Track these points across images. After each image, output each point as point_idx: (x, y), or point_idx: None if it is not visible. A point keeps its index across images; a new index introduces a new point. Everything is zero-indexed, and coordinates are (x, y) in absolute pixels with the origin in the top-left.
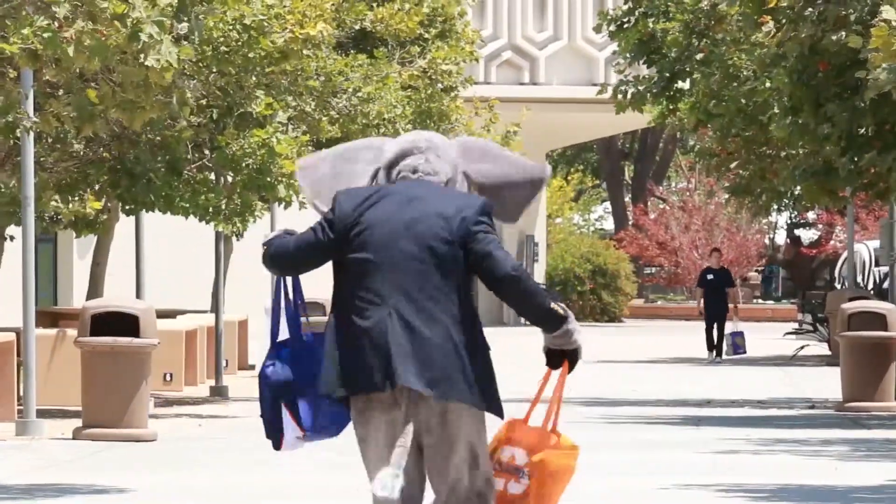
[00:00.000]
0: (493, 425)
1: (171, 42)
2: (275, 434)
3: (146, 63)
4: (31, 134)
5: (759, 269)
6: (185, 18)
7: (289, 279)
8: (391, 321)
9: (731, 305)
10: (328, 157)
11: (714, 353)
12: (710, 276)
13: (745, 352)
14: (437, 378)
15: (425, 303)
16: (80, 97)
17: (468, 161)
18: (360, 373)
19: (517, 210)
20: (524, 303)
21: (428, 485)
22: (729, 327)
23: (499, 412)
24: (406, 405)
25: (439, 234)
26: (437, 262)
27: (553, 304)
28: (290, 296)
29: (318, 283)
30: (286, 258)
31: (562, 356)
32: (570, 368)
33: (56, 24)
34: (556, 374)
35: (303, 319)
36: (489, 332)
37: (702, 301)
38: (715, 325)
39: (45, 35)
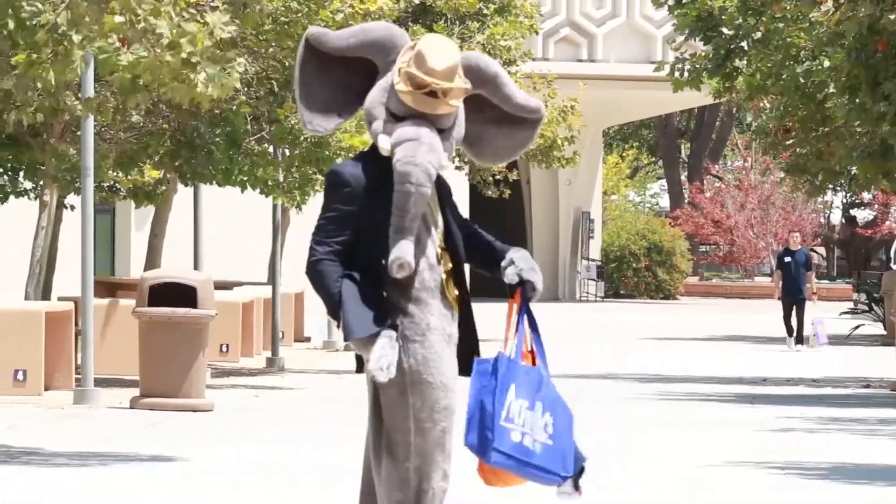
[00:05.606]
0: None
1: (223, 73)
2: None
3: (198, 89)
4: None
5: (814, 248)
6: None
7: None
8: None
9: (809, 289)
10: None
11: (794, 340)
12: (787, 259)
13: (826, 342)
14: None
15: None
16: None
17: None
18: None
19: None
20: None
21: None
22: (811, 313)
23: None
24: None
25: None
26: None
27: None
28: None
29: None
30: None
31: None
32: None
33: (114, 43)
34: None
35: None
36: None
37: (780, 284)
38: (794, 311)
39: (101, 57)
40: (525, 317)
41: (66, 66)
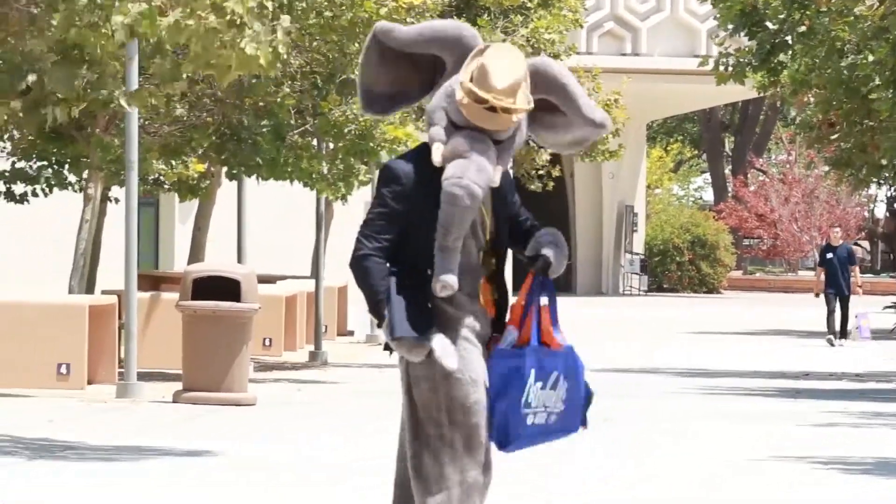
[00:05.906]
0: None
1: (269, 31)
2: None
3: (246, 51)
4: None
5: (858, 242)
6: None
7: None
8: None
9: (853, 283)
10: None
11: (838, 336)
12: (829, 255)
13: (869, 336)
14: None
15: None
16: (163, 60)
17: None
18: None
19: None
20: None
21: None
22: (855, 307)
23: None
24: None
25: None
26: None
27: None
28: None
29: None
30: None
31: None
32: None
33: (154, 7)
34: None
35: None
36: (588, 302)
37: (822, 280)
38: (837, 307)
39: (143, 16)
40: (540, 290)
41: (106, 35)
